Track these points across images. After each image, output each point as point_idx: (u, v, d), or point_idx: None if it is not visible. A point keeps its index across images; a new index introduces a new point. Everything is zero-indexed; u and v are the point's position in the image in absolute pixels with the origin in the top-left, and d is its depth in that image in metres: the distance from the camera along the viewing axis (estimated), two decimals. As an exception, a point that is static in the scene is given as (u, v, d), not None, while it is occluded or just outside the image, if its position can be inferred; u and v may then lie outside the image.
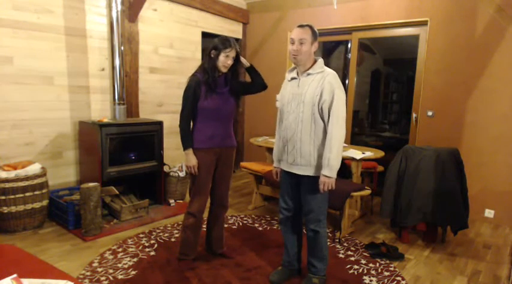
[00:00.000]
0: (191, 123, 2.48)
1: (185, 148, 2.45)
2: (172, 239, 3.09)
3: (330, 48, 5.89)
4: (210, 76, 2.37)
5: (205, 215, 2.78)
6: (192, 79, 2.43)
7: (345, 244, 3.12)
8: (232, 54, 2.38)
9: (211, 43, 2.43)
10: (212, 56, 2.40)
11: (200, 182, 2.49)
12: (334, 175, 2.09)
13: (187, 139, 2.45)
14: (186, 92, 2.43)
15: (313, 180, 2.16)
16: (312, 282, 2.35)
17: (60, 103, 3.55)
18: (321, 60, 2.20)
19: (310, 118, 2.10)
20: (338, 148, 2.08)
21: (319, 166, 2.13)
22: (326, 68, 2.18)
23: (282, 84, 2.36)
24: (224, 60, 2.37)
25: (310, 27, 2.15)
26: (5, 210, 2.97)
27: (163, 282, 2.41)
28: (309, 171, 2.16)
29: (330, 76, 2.11)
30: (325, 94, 2.07)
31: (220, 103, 2.44)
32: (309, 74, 2.16)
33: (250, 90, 2.63)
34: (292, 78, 2.24)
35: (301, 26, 2.14)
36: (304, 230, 2.45)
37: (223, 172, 2.60)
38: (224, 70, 2.41)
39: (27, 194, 3.03)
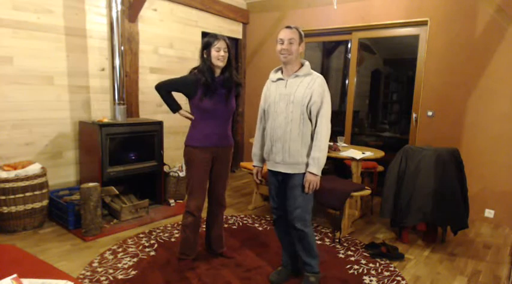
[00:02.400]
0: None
1: (176, 110, 2.58)
2: (172, 239, 3.09)
3: (330, 48, 5.89)
4: (207, 78, 2.40)
5: (204, 215, 2.79)
6: (192, 75, 2.46)
7: (345, 244, 3.12)
8: (222, 45, 2.40)
9: (201, 44, 2.47)
10: (205, 56, 2.43)
11: (196, 180, 2.50)
12: (320, 173, 2.18)
13: (173, 103, 2.57)
14: (180, 81, 2.49)
15: (301, 177, 2.21)
16: (309, 281, 2.35)
17: (60, 103, 3.55)
18: (308, 63, 2.25)
19: (300, 119, 2.16)
20: (325, 148, 2.19)
21: (306, 164, 2.19)
22: (313, 71, 2.25)
23: (265, 85, 2.38)
24: (217, 54, 2.39)
25: (297, 28, 2.20)
26: (5, 210, 2.97)
27: (163, 282, 2.40)
28: (297, 169, 2.20)
29: (320, 79, 2.20)
30: (315, 96, 2.14)
31: (218, 104, 2.45)
32: (297, 76, 2.20)
33: None
34: (278, 79, 2.27)
35: (289, 27, 2.19)
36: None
37: (219, 171, 2.61)
38: (220, 63, 2.42)
39: (27, 194, 3.03)
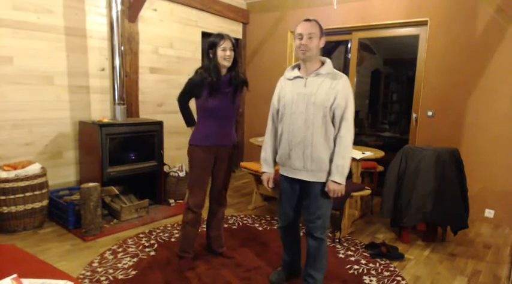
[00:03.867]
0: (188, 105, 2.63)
1: (190, 125, 2.63)
2: (172, 239, 3.09)
3: (330, 48, 5.89)
4: (213, 78, 2.38)
5: (205, 215, 2.79)
6: (198, 75, 2.45)
7: (345, 244, 3.12)
8: (228, 45, 2.38)
9: (207, 44, 2.46)
10: (211, 55, 2.42)
11: (196, 178, 2.52)
12: (344, 182, 2.03)
13: (189, 117, 2.62)
14: (188, 84, 2.50)
15: (324, 186, 2.07)
16: None
17: (60, 103, 3.55)
18: (329, 61, 2.08)
19: (322, 122, 1.98)
20: (350, 155, 2.03)
21: (329, 172, 2.04)
22: (336, 70, 2.08)
23: (279, 83, 2.22)
24: (223, 54, 2.38)
25: (317, 21, 2.04)
26: (5, 210, 2.96)
27: (163, 282, 2.40)
28: (321, 177, 2.05)
29: (344, 79, 2.02)
30: (340, 98, 1.97)
31: (222, 103, 2.44)
32: (318, 74, 2.03)
33: None
34: (296, 77, 2.08)
35: (308, 20, 2.02)
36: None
37: (220, 170, 2.61)
38: (226, 63, 2.41)
39: (27, 194, 3.03)
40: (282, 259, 2.53)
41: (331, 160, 2.03)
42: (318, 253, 2.19)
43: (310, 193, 2.11)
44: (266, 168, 2.25)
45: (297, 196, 2.20)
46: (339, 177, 2.00)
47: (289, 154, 2.08)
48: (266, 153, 2.25)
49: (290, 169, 2.11)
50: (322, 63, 2.08)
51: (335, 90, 1.97)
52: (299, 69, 2.12)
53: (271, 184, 2.26)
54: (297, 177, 2.10)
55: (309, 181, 2.07)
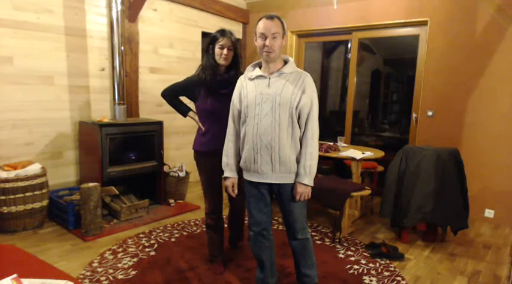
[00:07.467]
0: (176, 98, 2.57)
1: (185, 113, 2.51)
2: (172, 239, 3.09)
3: (330, 48, 5.90)
4: (207, 76, 2.31)
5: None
6: (196, 75, 2.41)
7: (345, 244, 3.12)
8: (227, 43, 2.27)
9: (208, 40, 2.39)
10: (210, 51, 2.33)
11: (206, 184, 2.49)
12: (312, 183, 1.97)
13: (180, 106, 2.53)
14: (184, 82, 2.46)
15: (293, 187, 2.01)
16: None
17: (60, 103, 3.55)
18: (292, 60, 2.04)
19: (288, 122, 1.91)
20: (317, 155, 1.98)
21: (297, 173, 1.99)
22: (299, 69, 2.03)
23: (239, 81, 2.09)
24: (219, 51, 2.28)
25: (280, 18, 1.94)
26: (5, 210, 2.96)
27: (163, 282, 2.40)
28: (290, 179, 1.99)
29: (308, 78, 1.98)
30: (306, 97, 1.92)
31: (221, 105, 2.31)
32: (281, 73, 1.95)
33: None
34: (258, 76, 1.98)
35: (270, 18, 1.91)
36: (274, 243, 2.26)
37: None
38: (223, 62, 2.30)
39: (27, 194, 3.03)
40: (256, 279, 2.25)
41: (297, 162, 1.97)
42: (305, 251, 2.13)
43: (281, 196, 2.04)
44: (229, 173, 2.12)
45: (265, 200, 2.09)
46: (308, 179, 1.94)
47: (254, 157, 1.97)
48: (228, 157, 2.12)
49: (256, 174, 2.01)
50: (285, 62, 2.01)
51: (301, 89, 1.92)
52: (260, 68, 2.03)
53: (236, 190, 2.15)
54: (265, 181, 2.00)
55: (278, 184, 2.00)
